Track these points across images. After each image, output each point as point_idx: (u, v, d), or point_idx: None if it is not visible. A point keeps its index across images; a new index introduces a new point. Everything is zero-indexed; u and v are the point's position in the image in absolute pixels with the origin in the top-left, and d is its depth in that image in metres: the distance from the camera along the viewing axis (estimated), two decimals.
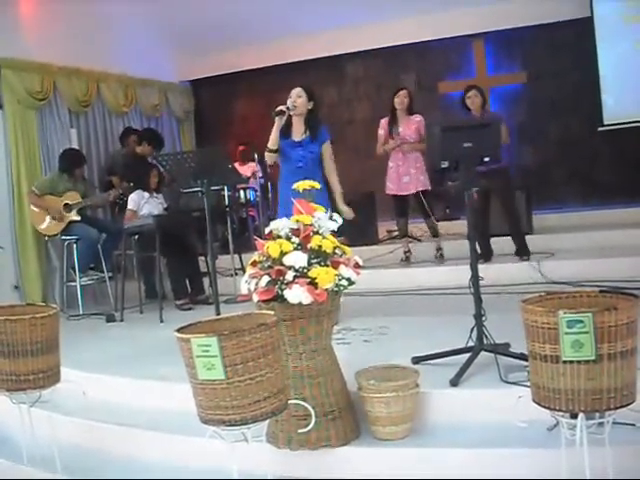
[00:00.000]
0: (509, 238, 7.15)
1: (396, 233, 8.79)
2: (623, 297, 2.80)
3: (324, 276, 3.30)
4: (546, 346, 2.66)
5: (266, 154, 5.47)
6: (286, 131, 5.44)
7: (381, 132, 7.37)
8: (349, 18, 9.32)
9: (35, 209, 7.40)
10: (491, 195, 7.04)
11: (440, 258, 7.52)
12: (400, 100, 7.29)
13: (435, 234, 7.57)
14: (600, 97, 9.01)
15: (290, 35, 9.79)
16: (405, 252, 7.67)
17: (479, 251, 6.99)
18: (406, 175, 7.28)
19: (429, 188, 7.35)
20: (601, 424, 2.73)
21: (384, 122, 7.41)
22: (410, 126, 7.26)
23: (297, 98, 5.40)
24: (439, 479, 3.25)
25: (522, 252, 7.05)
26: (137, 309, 7.07)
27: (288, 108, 5.33)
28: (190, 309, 6.94)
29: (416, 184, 7.27)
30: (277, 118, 5.32)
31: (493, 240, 7.17)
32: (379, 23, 9.47)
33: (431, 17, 9.27)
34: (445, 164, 4.12)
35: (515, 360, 3.83)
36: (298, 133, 5.48)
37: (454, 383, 3.73)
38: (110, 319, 6.87)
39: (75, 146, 8.26)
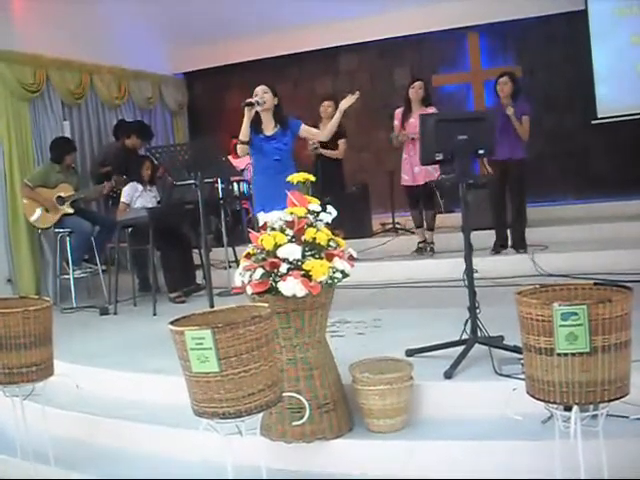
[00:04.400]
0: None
1: (389, 226, 8.84)
2: (617, 289, 2.80)
3: (318, 268, 3.30)
4: (540, 338, 2.66)
5: (238, 146, 5.59)
6: (257, 127, 5.60)
7: (396, 123, 7.35)
8: (343, 10, 9.29)
9: (28, 202, 7.36)
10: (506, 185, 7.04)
11: (430, 252, 7.52)
12: (415, 91, 7.28)
13: (431, 227, 7.55)
14: (594, 90, 9.02)
15: (285, 27, 9.76)
16: (419, 243, 7.64)
17: (495, 240, 7.03)
18: (417, 165, 7.21)
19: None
20: (595, 416, 2.73)
21: (398, 112, 7.39)
22: None
23: (264, 94, 5.54)
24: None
25: (519, 245, 7.05)
26: (130, 302, 7.07)
27: (257, 102, 5.46)
28: (184, 302, 6.92)
29: (425, 175, 7.24)
30: (247, 109, 5.44)
31: (480, 233, 7.12)
32: (373, 15, 9.45)
33: (426, 9, 9.27)
34: (440, 156, 4.11)
35: (509, 353, 3.84)
36: (269, 128, 5.63)
37: (448, 375, 3.74)
38: (104, 312, 6.86)
39: None
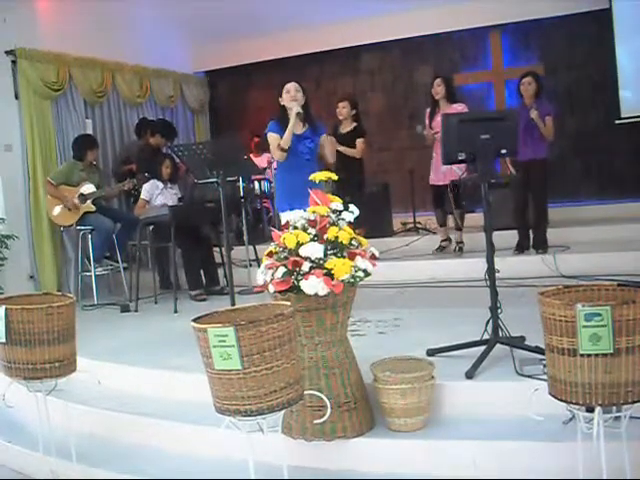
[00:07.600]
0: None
1: (410, 225, 8.82)
2: None
3: (340, 267, 3.30)
4: (563, 339, 2.65)
5: (278, 153, 5.38)
6: (285, 125, 5.35)
7: (426, 122, 7.34)
8: (365, 9, 9.30)
9: (51, 199, 7.42)
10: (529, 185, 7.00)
11: (459, 252, 7.47)
12: (435, 91, 7.27)
13: (459, 227, 7.52)
14: (618, 90, 8.94)
15: (306, 26, 9.78)
16: (442, 241, 7.63)
17: (518, 241, 7.04)
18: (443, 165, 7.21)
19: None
20: (618, 418, 2.71)
21: (427, 112, 7.38)
22: None
23: (296, 93, 5.36)
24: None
25: (540, 246, 6.99)
26: (151, 299, 7.11)
27: (299, 113, 5.29)
28: (204, 300, 6.94)
29: (450, 174, 7.20)
30: (298, 118, 5.28)
31: (502, 233, 7.09)
32: (395, 14, 9.44)
33: (448, 8, 9.24)
34: (462, 156, 4.09)
35: (530, 353, 3.83)
36: (299, 127, 5.42)
37: (469, 375, 3.73)
38: (125, 309, 6.90)
39: None
